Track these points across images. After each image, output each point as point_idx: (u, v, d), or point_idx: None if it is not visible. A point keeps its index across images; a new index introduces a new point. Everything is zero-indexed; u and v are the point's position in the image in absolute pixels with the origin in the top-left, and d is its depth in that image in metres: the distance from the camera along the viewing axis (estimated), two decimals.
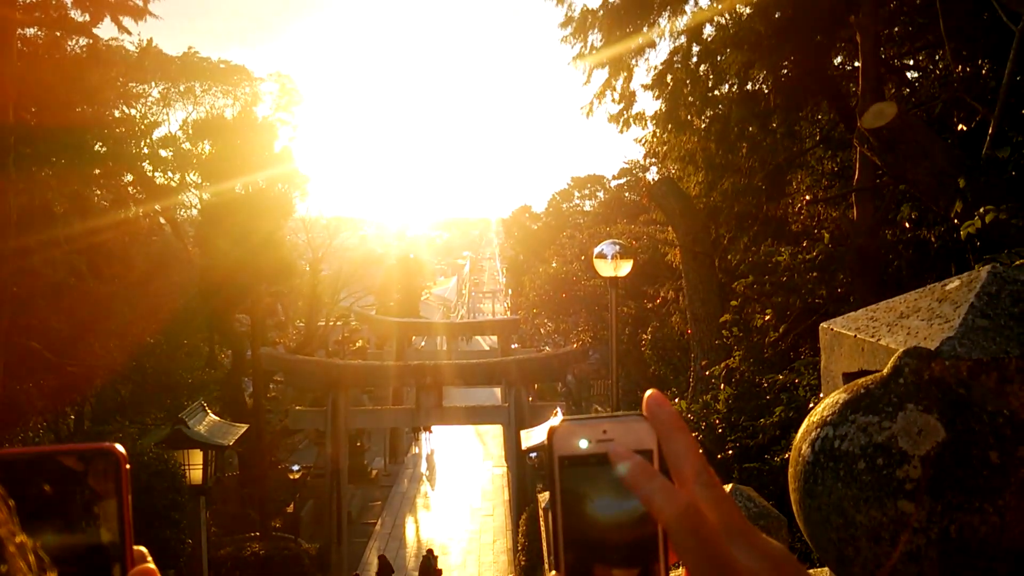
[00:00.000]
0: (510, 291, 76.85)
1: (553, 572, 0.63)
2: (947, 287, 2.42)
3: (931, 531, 1.59)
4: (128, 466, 0.65)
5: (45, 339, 14.68)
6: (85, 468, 0.63)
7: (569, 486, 0.63)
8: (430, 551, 24.77)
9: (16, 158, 12.75)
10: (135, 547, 0.64)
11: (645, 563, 0.62)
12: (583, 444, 0.64)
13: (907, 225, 8.99)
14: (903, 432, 1.64)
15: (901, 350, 1.78)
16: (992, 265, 2.42)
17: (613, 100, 14.41)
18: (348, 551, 28.04)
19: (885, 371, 1.76)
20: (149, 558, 0.66)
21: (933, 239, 8.97)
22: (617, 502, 0.62)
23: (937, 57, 11.94)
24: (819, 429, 1.76)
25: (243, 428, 17.19)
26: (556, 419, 0.65)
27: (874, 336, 2.44)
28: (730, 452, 9.30)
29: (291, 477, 26.77)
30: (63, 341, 15.28)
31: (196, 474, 14.58)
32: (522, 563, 22.07)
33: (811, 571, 3.56)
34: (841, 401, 1.77)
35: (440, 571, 23.95)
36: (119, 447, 0.65)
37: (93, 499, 0.63)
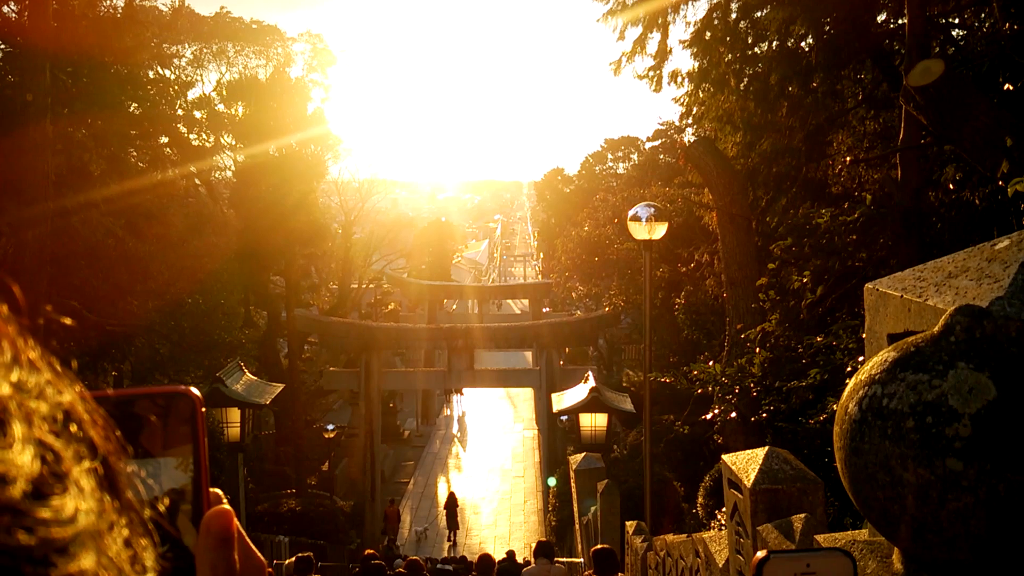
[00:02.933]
0: (541, 254, 76.71)
1: None
2: (996, 247, 2.36)
3: (980, 490, 1.57)
4: (204, 409, 0.65)
5: (84, 298, 14.96)
6: (161, 411, 0.64)
7: None
8: (452, 493, 27.91)
9: (53, 118, 12.88)
10: (211, 489, 0.65)
11: None
12: None
13: (951, 186, 8.79)
14: (953, 390, 1.61)
15: (953, 307, 1.74)
16: None
17: (649, 55, 14.20)
18: (381, 509, 28.52)
19: (936, 329, 1.73)
20: (225, 499, 0.67)
21: (977, 201, 8.77)
22: None
23: (983, 15, 11.56)
24: (867, 387, 1.73)
25: (279, 387, 17.43)
26: (762, 552, 0.68)
27: (921, 296, 2.39)
28: (764, 415, 9.27)
29: (326, 436, 27.22)
30: (102, 300, 15.56)
31: (234, 432, 14.87)
32: (552, 524, 22.29)
33: (849, 532, 3.54)
34: (890, 359, 1.74)
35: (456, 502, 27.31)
36: (195, 390, 0.65)
37: (169, 442, 0.64)
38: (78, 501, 0.37)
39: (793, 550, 0.68)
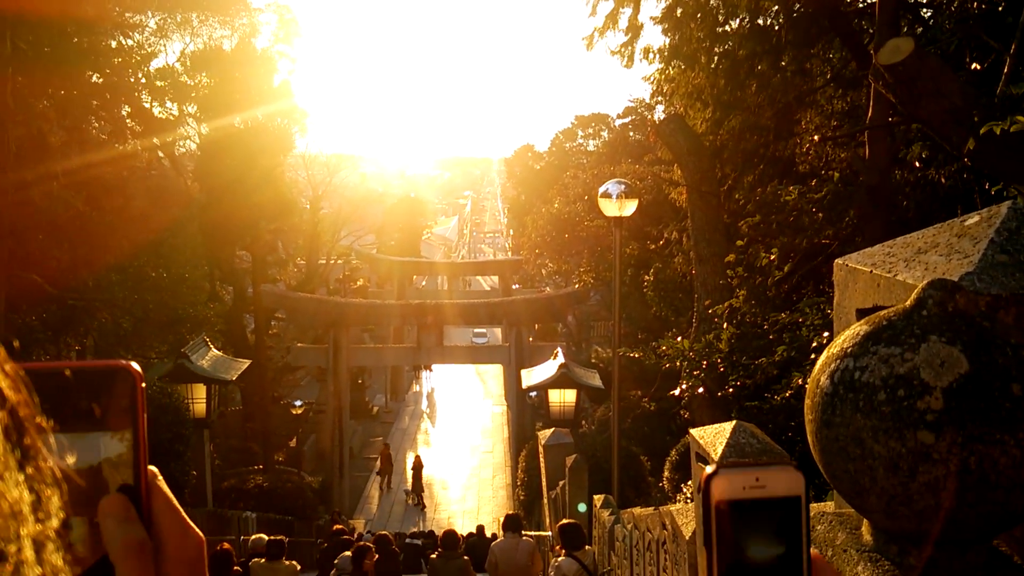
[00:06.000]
0: (511, 231, 76.63)
1: None
2: (966, 223, 2.37)
3: (950, 462, 1.57)
4: (144, 384, 0.64)
5: (46, 272, 14.65)
6: (100, 385, 0.62)
7: (723, 530, 0.68)
8: (418, 456, 29.29)
9: (13, 88, 12.54)
10: (148, 467, 0.64)
11: None
12: (738, 490, 0.69)
13: (917, 165, 8.88)
14: (925, 364, 1.61)
15: (925, 281, 1.74)
16: (1012, 201, 2.37)
17: (621, 30, 14.15)
18: (349, 485, 28.54)
19: (908, 303, 1.73)
20: (160, 477, 0.66)
21: (943, 179, 8.87)
22: (766, 548, 0.68)
23: None
24: (839, 361, 1.73)
25: (245, 363, 17.29)
26: (710, 467, 0.70)
27: (891, 271, 2.40)
28: (730, 391, 9.36)
29: (293, 412, 27.11)
30: (64, 274, 15.26)
31: (199, 408, 14.72)
32: (521, 498, 22.43)
33: (814, 504, 3.58)
34: (862, 333, 1.74)
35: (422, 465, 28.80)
36: (135, 365, 0.64)
37: (108, 416, 0.62)
38: None
39: (743, 463, 0.70)
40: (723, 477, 0.69)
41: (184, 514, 0.66)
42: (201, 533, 0.67)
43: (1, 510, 0.38)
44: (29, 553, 0.39)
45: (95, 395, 0.62)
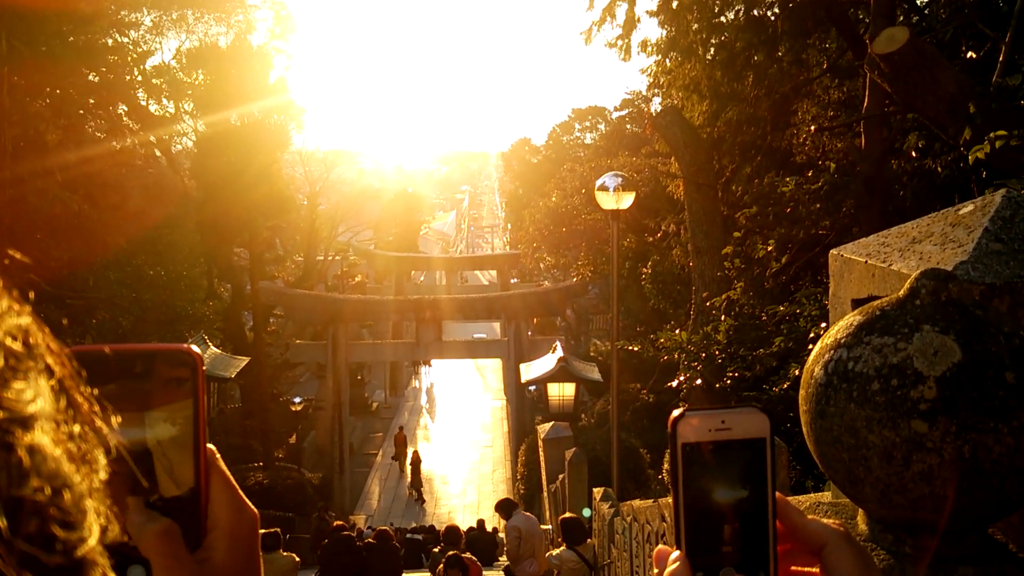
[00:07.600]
0: (509, 225, 76.58)
1: (675, 550, 0.69)
2: (960, 211, 2.37)
3: (944, 451, 1.57)
4: (204, 368, 0.67)
5: (42, 271, 14.63)
6: (162, 367, 0.66)
7: (689, 471, 0.69)
8: (416, 451, 29.60)
9: (9, 88, 12.52)
10: (207, 445, 0.69)
11: (755, 545, 0.69)
12: (704, 433, 0.69)
13: (914, 154, 8.89)
14: (919, 353, 1.61)
15: (918, 271, 1.74)
16: (1006, 189, 2.37)
17: (618, 24, 14.14)
18: (350, 481, 28.59)
19: (902, 292, 1.73)
20: (218, 455, 0.71)
21: (939, 169, 8.88)
22: (731, 488, 0.69)
23: None
24: (833, 351, 1.73)
25: (244, 361, 17.31)
26: (677, 410, 0.71)
27: (885, 261, 2.40)
28: (728, 382, 9.37)
29: (293, 409, 27.07)
30: (61, 273, 15.25)
31: None
32: (521, 492, 22.47)
33: (812, 495, 3.59)
34: (856, 323, 1.74)
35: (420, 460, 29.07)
36: (196, 348, 0.67)
37: (169, 397, 0.66)
38: (37, 391, 0.41)
39: (709, 407, 0.72)
40: (689, 419, 0.70)
41: (240, 491, 0.71)
42: (255, 509, 0.72)
43: (65, 452, 0.41)
44: (88, 488, 0.42)
45: (157, 376, 0.66)
